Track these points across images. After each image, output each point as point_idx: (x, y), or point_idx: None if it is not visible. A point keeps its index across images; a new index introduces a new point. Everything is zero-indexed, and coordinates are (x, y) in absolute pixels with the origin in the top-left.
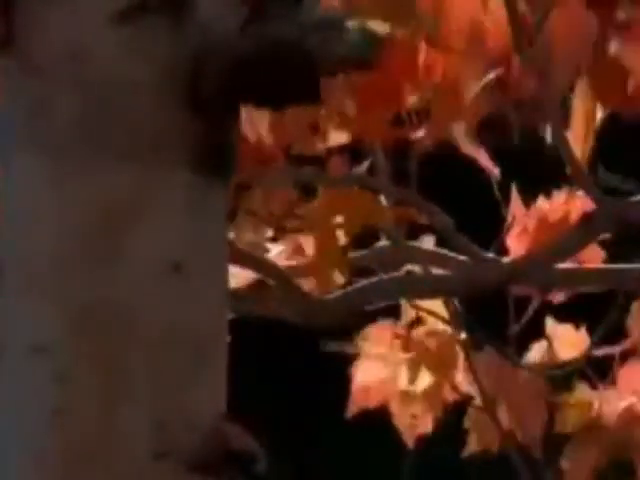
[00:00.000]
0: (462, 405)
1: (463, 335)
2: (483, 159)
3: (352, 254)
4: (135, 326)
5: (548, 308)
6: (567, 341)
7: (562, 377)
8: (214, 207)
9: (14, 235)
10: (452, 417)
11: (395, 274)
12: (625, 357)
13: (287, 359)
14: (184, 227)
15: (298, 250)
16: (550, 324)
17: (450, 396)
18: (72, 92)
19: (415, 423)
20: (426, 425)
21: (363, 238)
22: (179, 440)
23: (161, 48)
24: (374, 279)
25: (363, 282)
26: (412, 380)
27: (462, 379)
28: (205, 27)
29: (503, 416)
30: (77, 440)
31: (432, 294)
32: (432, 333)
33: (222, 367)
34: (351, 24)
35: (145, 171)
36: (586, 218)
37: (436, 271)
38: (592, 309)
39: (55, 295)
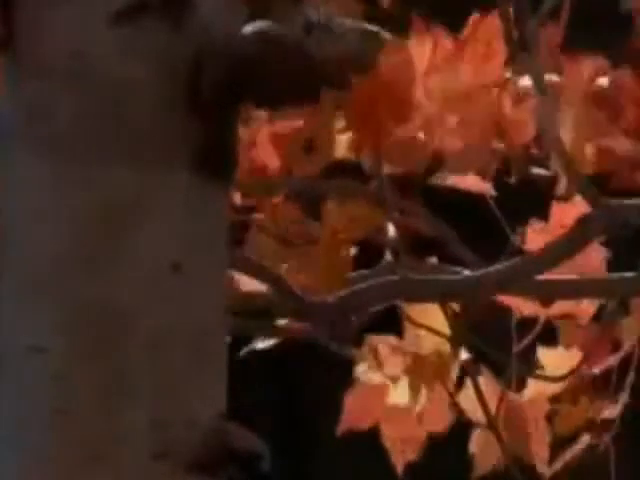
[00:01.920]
0: (463, 423)
1: (465, 354)
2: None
3: (354, 273)
4: (135, 326)
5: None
6: (560, 364)
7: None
8: (214, 207)
9: (14, 235)
10: (451, 434)
11: (390, 277)
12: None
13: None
14: (184, 227)
15: (307, 266)
16: (541, 351)
17: (450, 416)
18: (72, 92)
19: (404, 449)
20: (415, 451)
21: (368, 252)
22: (179, 440)
23: (161, 48)
24: (369, 281)
25: (359, 285)
26: (413, 400)
27: (465, 399)
28: (205, 27)
29: (508, 437)
30: (77, 440)
31: (427, 297)
32: (432, 352)
33: (222, 367)
34: (350, 25)
35: (145, 171)
36: (582, 220)
37: None
38: None
39: (55, 295)
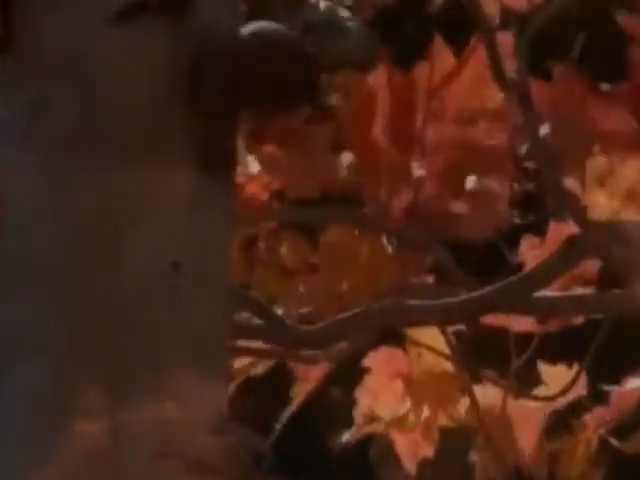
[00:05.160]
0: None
1: (464, 371)
2: None
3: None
4: (135, 326)
5: (545, 345)
6: (562, 382)
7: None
8: (214, 207)
9: (14, 236)
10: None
11: (379, 303)
12: None
13: None
14: (184, 227)
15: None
16: (543, 367)
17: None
18: (72, 92)
19: (416, 449)
20: (427, 450)
21: None
22: (180, 440)
23: (161, 48)
24: (357, 310)
25: (347, 313)
26: (415, 421)
27: (463, 414)
28: (204, 27)
29: (507, 451)
30: (77, 440)
31: (425, 322)
32: (433, 370)
33: (222, 367)
34: (351, 25)
35: (145, 171)
36: (570, 241)
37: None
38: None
39: (55, 295)
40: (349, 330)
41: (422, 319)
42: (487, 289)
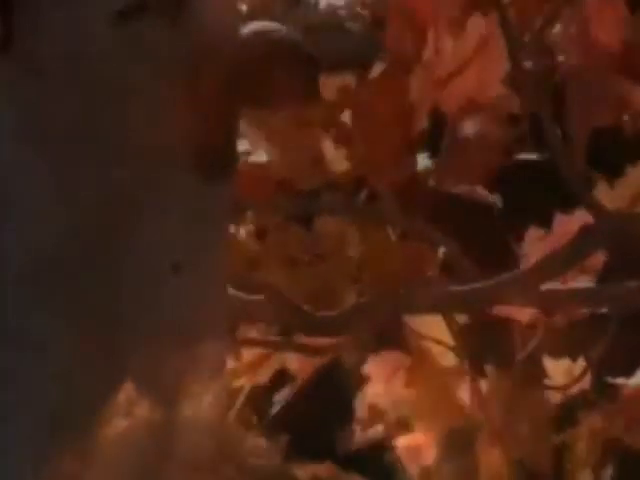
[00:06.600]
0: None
1: (468, 362)
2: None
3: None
4: (135, 326)
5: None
6: (568, 375)
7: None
8: (214, 207)
9: (13, 235)
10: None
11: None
12: None
13: None
14: (184, 227)
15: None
16: (547, 361)
17: (455, 423)
18: (72, 92)
19: (418, 455)
20: (429, 456)
21: None
22: (180, 440)
23: (161, 48)
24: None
25: (362, 300)
26: (418, 416)
27: (469, 406)
28: (204, 27)
29: (512, 443)
30: (77, 441)
31: (428, 310)
32: (437, 363)
33: (222, 367)
34: (352, 24)
35: (145, 171)
36: (585, 230)
37: None
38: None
39: (55, 296)
40: (365, 317)
41: (429, 307)
42: (493, 280)
